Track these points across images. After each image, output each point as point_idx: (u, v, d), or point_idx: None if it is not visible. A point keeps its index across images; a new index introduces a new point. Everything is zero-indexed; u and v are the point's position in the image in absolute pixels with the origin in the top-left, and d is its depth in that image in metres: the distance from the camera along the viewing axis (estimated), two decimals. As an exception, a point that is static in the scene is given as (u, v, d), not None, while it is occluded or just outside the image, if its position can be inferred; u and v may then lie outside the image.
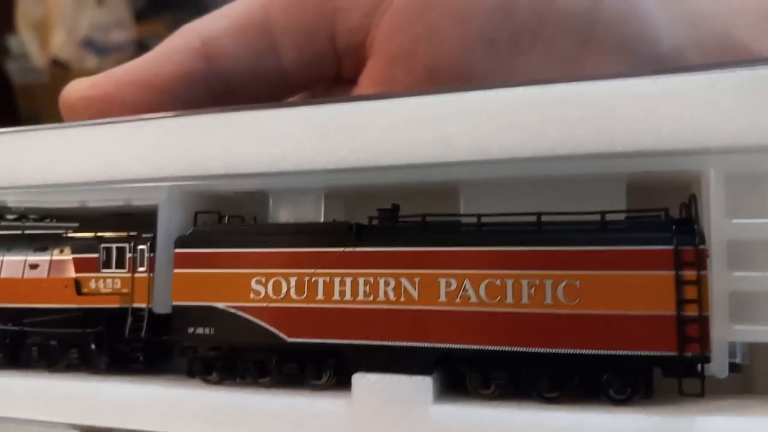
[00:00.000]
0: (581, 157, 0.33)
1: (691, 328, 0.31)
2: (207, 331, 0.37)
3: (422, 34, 0.41)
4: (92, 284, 0.40)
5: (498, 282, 0.33)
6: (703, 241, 0.32)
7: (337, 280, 0.36)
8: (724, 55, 0.41)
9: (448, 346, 0.34)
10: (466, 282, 0.34)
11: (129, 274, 0.39)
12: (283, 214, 0.40)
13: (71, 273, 0.41)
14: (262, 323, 0.37)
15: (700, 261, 0.32)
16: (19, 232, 0.43)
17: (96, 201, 0.41)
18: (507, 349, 0.33)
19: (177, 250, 0.38)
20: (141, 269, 0.39)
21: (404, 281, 0.35)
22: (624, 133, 0.33)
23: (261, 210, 0.41)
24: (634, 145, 0.32)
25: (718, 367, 0.31)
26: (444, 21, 0.41)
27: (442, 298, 0.34)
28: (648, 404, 0.32)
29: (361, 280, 0.35)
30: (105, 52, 1.59)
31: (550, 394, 0.34)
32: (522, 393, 0.34)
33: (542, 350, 0.33)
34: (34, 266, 0.42)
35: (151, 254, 0.39)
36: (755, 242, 0.32)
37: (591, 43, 0.41)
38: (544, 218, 0.34)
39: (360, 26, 0.42)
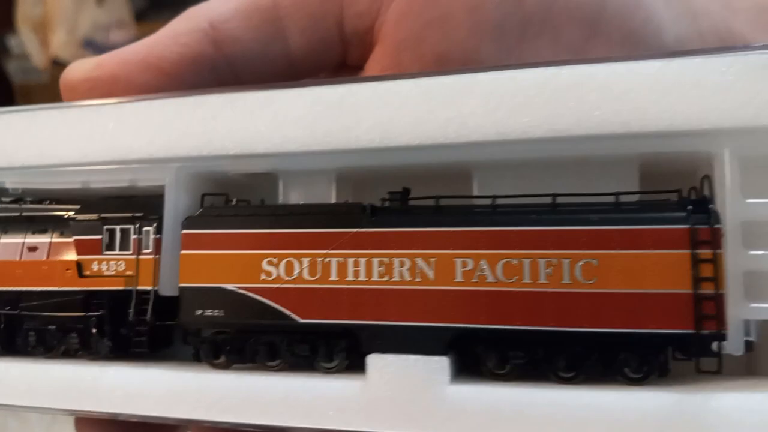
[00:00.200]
0: (597, 138, 0.33)
1: (707, 306, 0.32)
2: (216, 312, 0.37)
3: (432, 21, 0.41)
4: (95, 266, 0.39)
5: (515, 261, 0.33)
6: (718, 220, 0.32)
7: (351, 261, 0.35)
8: None
9: (464, 326, 0.34)
10: (483, 262, 0.34)
11: (134, 256, 0.39)
12: (294, 197, 0.40)
13: (73, 255, 0.40)
14: (273, 304, 0.36)
15: (716, 240, 0.32)
16: (17, 213, 0.41)
17: (99, 182, 0.40)
18: (525, 328, 0.33)
19: (185, 231, 0.38)
20: (146, 251, 0.38)
21: (419, 261, 0.35)
22: (639, 114, 0.33)
23: (269, 193, 0.40)
24: (649, 126, 0.33)
25: (733, 344, 0.32)
26: (455, 8, 0.41)
27: (459, 278, 0.34)
28: (664, 383, 0.33)
29: (375, 261, 0.35)
30: (105, 52, 1.56)
31: (567, 374, 0.34)
32: (538, 373, 0.34)
33: (560, 329, 0.33)
34: (32, 249, 0.41)
35: (157, 236, 0.38)
36: (769, 222, 0.32)
37: (597, 33, 0.41)
38: (558, 200, 0.34)
39: (368, 11, 0.42)
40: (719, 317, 0.31)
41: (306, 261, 0.36)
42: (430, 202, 0.36)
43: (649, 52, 0.39)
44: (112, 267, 0.39)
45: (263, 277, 0.36)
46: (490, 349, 0.34)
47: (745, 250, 0.32)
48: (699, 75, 0.33)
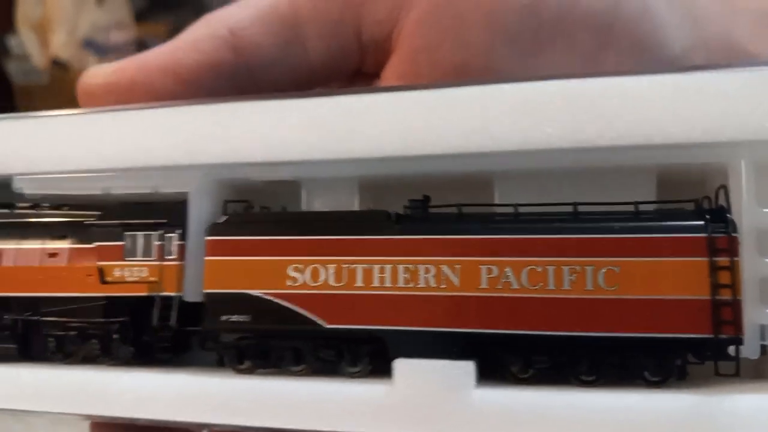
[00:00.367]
0: (618, 149, 0.34)
1: (725, 312, 0.33)
2: (242, 318, 0.37)
3: (449, 28, 0.42)
4: (117, 273, 0.39)
5: (540, 269, 0.34)
6: (735, 229, 0.33)
7: (377, 268, 0.36)
8: (727, 55, 0.43)
9: (490, 331, 0.35)
10: (508, 269, 0.35)
11: (157, 263, 0.39)
12: (317, 204, 0.40)
13: (94, 261, 0.40)
14: (300, 310, 0.37)
15: (733, 248, 0.33)
16: (37, 220, 0.41)
17: (121, 188, 0.40)
18: (550, 333, 0.34)
19: (210, 238, 0.38)
20: (170, 257, 0.39)
21: (445, 268, 0.35)
22: (660, 126, 0.34)
23: (291, 201, 0.41)
24: (670, 137, 0.34)
25: (750, 348, 0.33)
26: (472, 16, 0.41)
27: (484, 284, 0.35)
28: (682, 386, 0.34)
29: (401, 267, 0.36)
30: (105, 53, 1.55)
31: (588, 377, 0.35)
32: (560, 377, 0.35)
33: (584, 334, 0.34)
34: (52, 255, 0.41)
35: (181, 242, 0.39)
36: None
37: (609, 42, 0.42)
38: (578, 209, 0.35)
39: (387, 19, 0.43)
40: (736, 322, 0.33)
41: (332, 267, 0.36)
42: (452, 211, 0.37)
43: (670, 65, 0.41)
44: (134, 273, 0.39)
45: (289, 283, 0.37)
46: (515, 354, 0.35)
47: (761, 258, 0.33)
48: (717, 88, 0.34)
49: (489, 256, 0.35)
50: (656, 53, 0.43)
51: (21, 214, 0.42)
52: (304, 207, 0.40)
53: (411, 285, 0.36)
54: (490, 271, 0.35)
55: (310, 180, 0.40)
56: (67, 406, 0.38)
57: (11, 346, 0.41)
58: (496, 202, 0.38)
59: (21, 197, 0.42)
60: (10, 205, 0.43)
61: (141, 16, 1.73)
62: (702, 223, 0.34)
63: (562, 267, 0.34)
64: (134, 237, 0.40)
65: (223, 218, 0.39)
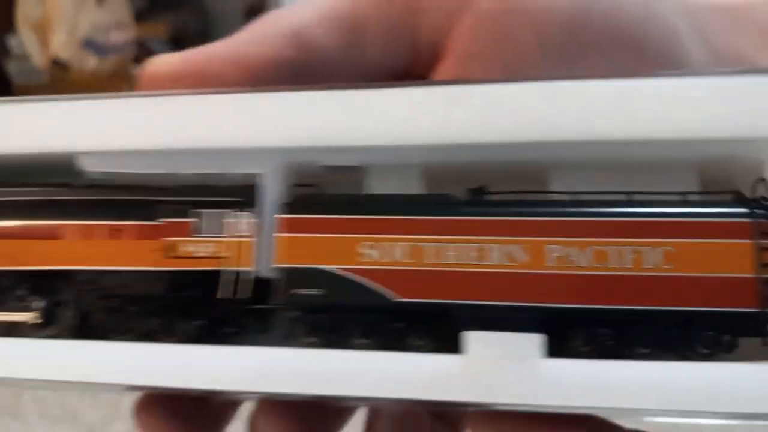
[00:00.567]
0: (676, 142, 0.38)
1: (769, 289, 0.36)
2: (313, 291, 0.39)
3: (503, 38, 0.45)
4: (184, 248, 0.40)
5: (603, 248, 0.37)
6: (776, 215, 0.37)
7: (447, 246, 0.38)
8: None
9: (557, 305, 0.37)
10: (573, 248, 0.37)
11: (227, 238, 0.40)
12: (379, 190, 0.42)
13: (161, 238, 0.41)
14: (370, 283, 0.38)
15: (775, 232, 0.37)
16: (103, 197, 0.42)
17: (189, 168, 0.41)
18: (613, 307, 0.37)
19: (282, 216, 0.40)
20: (241, 234, 0.40)
21: (512, 247, 0.38)
22: (707, 123, 0.38)
23: (353, 186, 0.43)
24: (717, 133, 0.38)
25: (792, 322, 0.36)
26: (523, 28, 0.45)
27: (551, 262, 0.37)
28: (731, 357, 0.37)
29: (470, 246, 0.38)
30: (105, 53, 1.53)
31: (645, 350, 0.37)
32: (619, 349, 0.38)
33: (643, 308, 0.37)
34: (117, 230, 0.41)
35: (252, 220, 0.40)
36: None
37: (644, 59, 0.47)
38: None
39: (443, 25, 0.46)
40: (779, 298, 0.36)
41: (403, 244, 0.39)
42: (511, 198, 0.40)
43: (716, 69, 0.45)
44: (201, 249, 0.40)
45: (360, 258, 0.39)
46: (579, 328, 0.38)
47: (798, 242, 0.37)
48: (757, 90, 0.38)
49: (555, 236, 0.38)
50: (681, 68, 0.47)
51: (86, 191, 0.42)
52: (367, 191, 0.42)
53: (481, 262, 0.38)
54: (556, 250, 0.38)
55: (375, 166, 0.42)
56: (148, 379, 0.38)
57: (72, 322, 0.41)
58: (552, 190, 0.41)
59: (84, 175, 0.43)
60: (70, 185, 0.43)
61: (141, 16, 1.73)
62: (747, 210, 0.37)
63: (623, 247, 0.37)
64: (202, 214, 0.41)
65: (294, 197, 0.40)
